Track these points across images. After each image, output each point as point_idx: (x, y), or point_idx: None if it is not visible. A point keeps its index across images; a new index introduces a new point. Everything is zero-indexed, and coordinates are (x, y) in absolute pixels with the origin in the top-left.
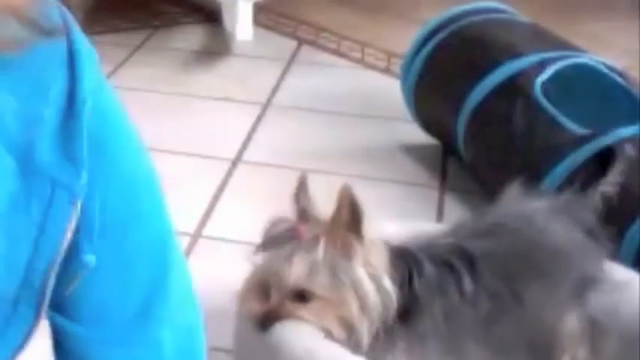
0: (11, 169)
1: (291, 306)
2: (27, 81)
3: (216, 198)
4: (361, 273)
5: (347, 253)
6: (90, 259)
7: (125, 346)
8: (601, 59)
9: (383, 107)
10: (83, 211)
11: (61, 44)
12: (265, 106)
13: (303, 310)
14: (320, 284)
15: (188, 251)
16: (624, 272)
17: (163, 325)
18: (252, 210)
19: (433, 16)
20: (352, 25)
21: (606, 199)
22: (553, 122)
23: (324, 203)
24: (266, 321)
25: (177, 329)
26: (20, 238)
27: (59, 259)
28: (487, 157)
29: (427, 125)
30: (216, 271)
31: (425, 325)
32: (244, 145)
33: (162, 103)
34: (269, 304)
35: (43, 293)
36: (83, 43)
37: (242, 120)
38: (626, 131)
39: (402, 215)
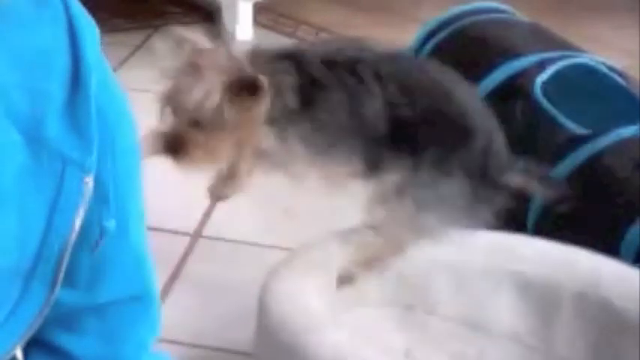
0: (20, 145)
1: (189, 130)
2: (29, 54)
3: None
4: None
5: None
6: (111, 224)
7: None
8: (601, 59)
9: None
10: (97, 181)
11: (60, 16)
12: None
13: (199, 134)
14: (211, 109)
15: (188, 251)
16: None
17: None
18: (253, 210)
19: (433, 16)
20: (352, 25)
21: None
22: (553, 122)
23: (322, 202)
24: (169, 144)
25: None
26: (32, 215)
27: (74, 235)
28: None
29: None
30: (217, 271)
31: (323, 113)
32: None
33: None
34: (171, 128)
35: (58, 270)
36: (83, 16)
37: None
38: (626, 131)
39: None
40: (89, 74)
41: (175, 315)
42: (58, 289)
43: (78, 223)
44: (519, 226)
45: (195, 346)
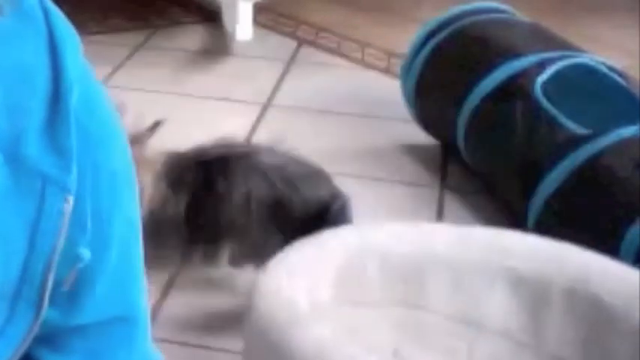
0: None
1: None
2: (8, 70)
3: None
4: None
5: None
6: (85, 252)
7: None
8: (601, 59)
9: (383, 107)
10: (75, 203)
11: (41, 30)
12: (265, 106)
13: None
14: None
15: None
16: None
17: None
18: None
19: (433, 16)
20: (352, 25)
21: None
22: (553, 122)
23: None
24: None
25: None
26: (13, 236)
27: (57, 256)
28: (487, 157)
29: (427, 125)
30: (217, 271)
31: None
32: None
33: (162, 103)
34: None
35: (43, 291)
36: (64, 27)
37: (242, 120)
38: (626, 131)
39: (402, 215)
40: (70, 90)
41: (175, 315)
42: (44, 310)
43: (60, 243)
44: (520, 225)
45: (194, 346)
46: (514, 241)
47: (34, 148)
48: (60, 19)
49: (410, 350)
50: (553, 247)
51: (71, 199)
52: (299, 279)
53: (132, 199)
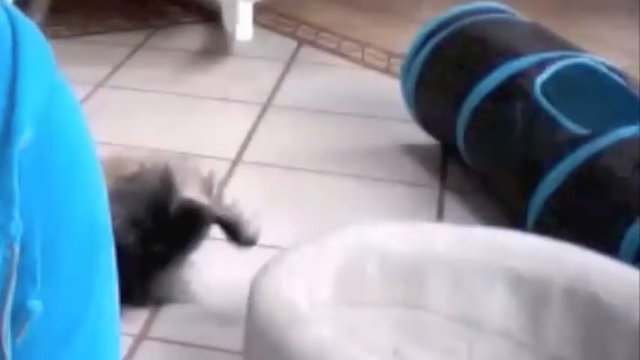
0: None
1: None
2: None
3: None
4: None
5: None
6: (36, 305)
7: None
8: (601, 59)
9: (383, 107)
10: (23, 252)
11: (6, 53)
12: (265, 106)
13: None
14: None
15: None
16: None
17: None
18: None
19: (433, 16)
20: (352, 25)
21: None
22: (553, 122)
23: (322, 203)
24: None
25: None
26: None
27: (7, 307)
28: (487, 157)
29: (427, 125)
30: (218, 271)
31: None
32: (244, 145)
33: (162, 103)
34: None
35: None
36: (33, 49)
37: (242, 120)
38: (626, 131)
39: (402, 215)
40: (19, 132)
41: (176, 314)
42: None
43: (9, 294)
44: (519, 225)
45: (195, 346)
46: (514, 241)
47: None
48: (30, 40)
49: (410, 350)
50: (553, 247)
51: (16, 246)
52: (299, 279)
53: (103, 255)
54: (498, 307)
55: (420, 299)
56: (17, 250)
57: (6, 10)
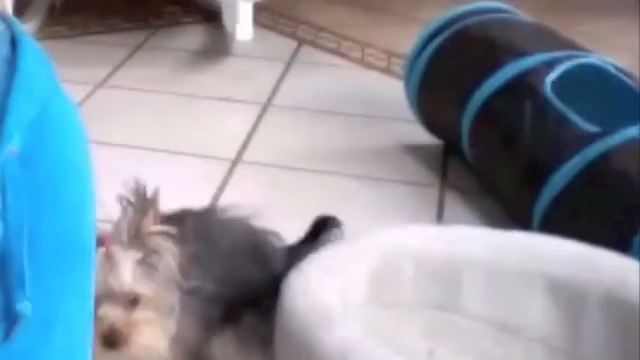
0: None
1: (128, 315)
2: None
3: (216, 198)
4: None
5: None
6: (25, 307)
7: None
8: (609, 59)
9: (383, 107)
10: (10, 258)
11: (2, 65)
12: (265, 106)
13: (139, 314)
14: (145, 283)
15: None
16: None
17: None
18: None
19: (433, 16)
20: (352, 25)
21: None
22: (563, 120)
23: (323, 203)
24: (113, 340)
25: None
26: None
27: None
28: (492, 156)
29: (431, 125)
30: None
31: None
32: (244, 145)
33: (162, 103)
34: (107, 321)
35: None
36: (31, 61)
37: (242, 120)
38: (633, 131)
39: (402, 215)
40: (7, 139)
41: None
42: None
43: None
44: (523, 225)
45: None
46: (551, 246)
47: None
48: (28, 57)
49: (444, 353)
50: (590, 252)
51: None
52: (332, 279)
53: (84, 270)
54: (536, 312)
55: (456, 302)
56: None
57: (6, 22)
